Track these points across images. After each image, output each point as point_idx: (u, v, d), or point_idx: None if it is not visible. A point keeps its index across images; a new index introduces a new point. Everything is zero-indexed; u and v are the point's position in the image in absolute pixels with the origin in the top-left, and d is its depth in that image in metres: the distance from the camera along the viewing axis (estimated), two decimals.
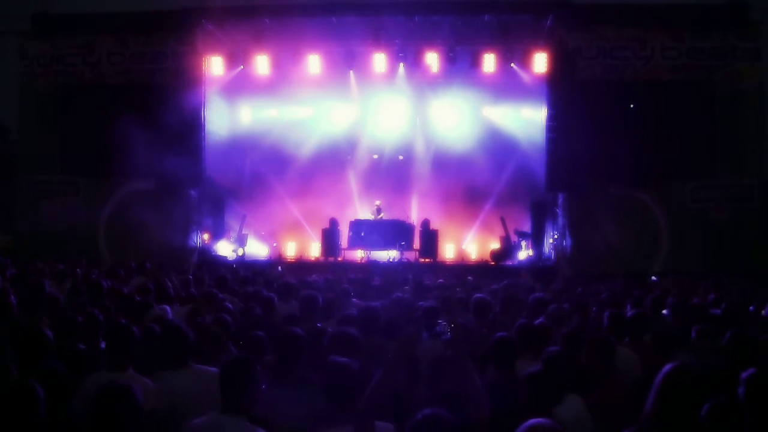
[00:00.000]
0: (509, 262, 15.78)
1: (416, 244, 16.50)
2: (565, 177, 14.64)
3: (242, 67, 16.16)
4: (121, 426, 3.07)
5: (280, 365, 4.13)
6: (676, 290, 9.25)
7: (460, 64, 15.57)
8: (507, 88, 16.33)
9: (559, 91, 14.88)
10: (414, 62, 15.80)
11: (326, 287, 8.02)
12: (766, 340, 5.06)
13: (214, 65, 16.06)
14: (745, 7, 14.61)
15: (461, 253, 17.49)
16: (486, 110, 17.29)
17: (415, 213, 17.23)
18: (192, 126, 15.28)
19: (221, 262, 15.29)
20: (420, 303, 6.07)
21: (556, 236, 15.59)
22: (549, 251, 15.84)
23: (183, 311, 6.22)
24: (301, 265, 15.46)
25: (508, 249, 16.17)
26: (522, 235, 16.21)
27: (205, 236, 16.43)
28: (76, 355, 4.24)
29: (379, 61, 15.54)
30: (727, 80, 14.70)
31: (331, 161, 17.60)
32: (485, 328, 5.39)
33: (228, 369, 3.41)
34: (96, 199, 15.77)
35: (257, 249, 16.92)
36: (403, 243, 16.07)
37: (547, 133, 15.20)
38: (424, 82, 16.79)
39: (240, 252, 16.21)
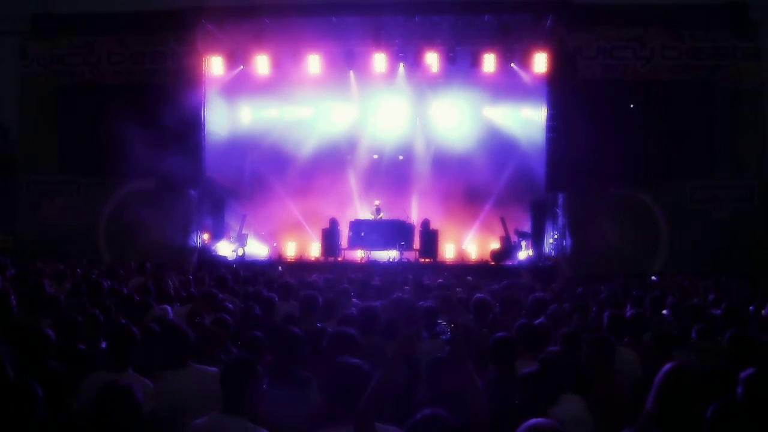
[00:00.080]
0: (509, 262, 15.78)
1: (416, 244, 16.50)
2: (565, 177, 14.65)
3: (242, 67, 16.16)
4: (121, 426, 3.07)
5: (277, 365, 4.13)
6: (676, 290, 9.26)
7: (460, 64, 15.57)
8: (507, 88, 16.33)
9: (559, 91, 14.89)
10: (414, 62, 15.80)
11: (326, 287, 8.01)
12: (766, 340, 5.07)
13: (214, 65, 16.06)
14: (745, 7, 14.61)
15: (461, 253, 17.49)
16: (486, 110, 17.29)
17: (415, 213, 17.23)
18: (192, 126, 15.29)
19: (221, 262, 15.29)
20: (420, 303, 6.07)
21: (556, 236, 15.59)
22: (549, 251, 15.84)
23: (183, 311, 6.22)
24: (301, 265, 15.45)
25: (508, 249, 16.17)
26: (522, 235, 16.21)
27: (205, 236, 16.43)
28: (76, 356, 4.24)
29: (379, 61, 15.54)
30: (727, 80, 14.71)
31: (331, 161, 17.60)
32: (485, 328, 5.38)
33: (229, 369, 3.41)
34: (96, 198, 15.77)
35: (257, 249, 16.93)
36: (403, 243, 16.07)
37: (547, 133, 15.22)
38: (424, 82, 16.80)
39: (240, 252, 16.21)
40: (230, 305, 6.14)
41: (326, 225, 16.75)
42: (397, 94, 17.17)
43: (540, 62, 15.22)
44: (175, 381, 3.95)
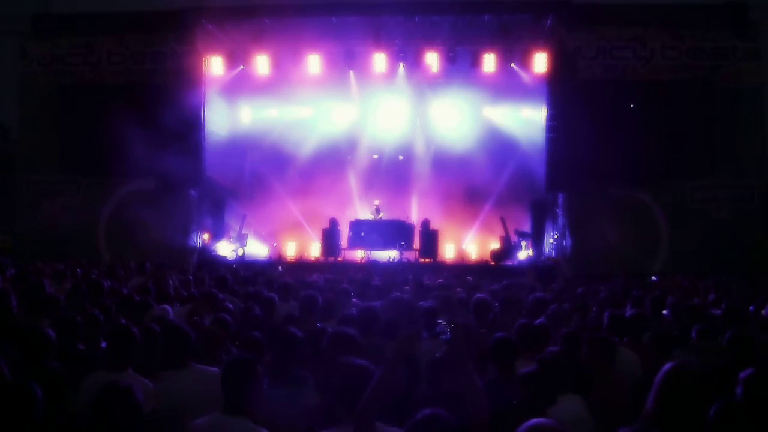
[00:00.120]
0: (509, 262, 15.78)
1: (416, 244, 16.50)
2: (565, 177, 14.65)
3: (242, 67, 16.16)
4: (121, 426, 3.07)
5: (276, 365, 4.13)
6: (676, 290, 9.26)
7: (460, 64, 15.57)
8: (507, 88, 16.34)
9: (559, 91, 14.89)
10: (414, 62, 15.80)
11: (326, 287, 8.01)
12: (766, 340, 5.07)
13: (214, 65, 16.06)
14: (745, 7, 14.61)
15: (461, 253, 17.49)
16: (486, 110, 17.29)
17: (415, 213, 17.23)
18: (192, 126, 15.28)
19: (221, 262, 15.29)
20: (420, 303, 6.06)
21: (556, 236, 15.59)
22: (549, 251, 15.84)
23: (183, 311, 6.22)
24: (301, 265, 15.45)
25: (508, 249, 16.17)
26: (522, 235, 16.21)
27: (205, 236, 16.43)
28: (76, 356, 4.24)
29: (379, 61, 15.54)
30: (727, 80, 14.70)
31: (331, 161, 17.60)
32: (485, 328, 5.38)
33: (230, 369, 3.42)
34: (96, 198, 15.77)
35: (257, 249, 16.93)
36: (402, 243, 16.07)
37: (547, 133, 15.22)
38: (424, 82, 16.80)
39: (240, 252, 16.21)
40: (230, 305, 6.14)
41: (326, 225, 16.75)
42: (397, 94, 17.17)
43: (540, 62, 15.22)
44: (176, 381, 3.95)
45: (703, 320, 5.69)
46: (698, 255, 13.93)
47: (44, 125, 15.98)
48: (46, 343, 4.17)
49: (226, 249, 16.32)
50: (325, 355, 4.15)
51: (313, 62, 15.77)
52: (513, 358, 4.16)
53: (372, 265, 14.67)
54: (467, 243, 17.63)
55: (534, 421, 2.52)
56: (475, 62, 15.56)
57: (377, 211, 16.75)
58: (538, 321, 5.25)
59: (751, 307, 6.85)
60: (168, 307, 6.20)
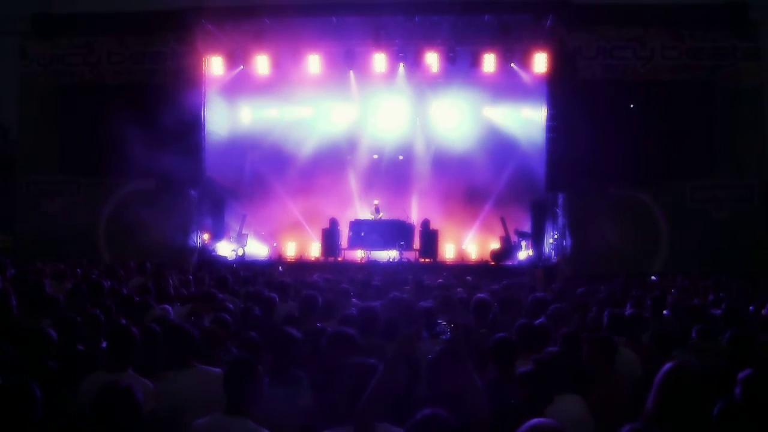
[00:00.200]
0: (509, 262, 15.77)
1: (416, 244, 16.50)
2: (565, 177, 14.64)
3: (242, 67, 16.16)
4: (120, 426, 3.07)
5: (273, 365, 4.13)
6: (676, 290, 9.26)
7: (460, 64, 15.57)
8: (507, 88, 16.33)
9: (559, 91, 14.89)
10: (414, 62, 15.80)
11: (326, 287, 8.01)
12: (766, 340, 5.07)
13: (214, 65, 16.06)
14: (745, 7, 14.61)
15: (461, 253, 17.49)
16: (486, 110, 17.29)
17: (415, 213, 17.23)
18: (192, 126, 15.28)
19: (221, 262, 15.30)
20: (421, 303, 6.06)
21: (556, 236, 15.59)
22: (549, 251, 15.84)
23: (183, 311, 6.22)
24: (301, 265, 15.45)
25: (508, 249, 16.17)
26: (522, 235, 16.21)
27: (205, 236, 16.43)
28: (75, 356, 4.23)
29: (379, 61, 15.54)
30: (727, 80, 14.70)
31: (331, 161, 17.59)
32: (485, 328, 5.38)
33: (232, 370, 3.42)
34: (96, 198, 15.77)
35: (257, 249, 16.93)
36: (402, 243, 16.07)
37: (547, 133, 15.22)
38: (424, 82, 16.79)
39: (240, 252, 16.21)
40: (230, 305, 6.14)
41: (326, 225, 16.75)
42: (397, 94, 17.17)
43: (540, 62, 15.22)
44: (179, 381, 3.95)
45: (703, 320, 5.69)
46: (698, 255, 13.92)
47: (44, 125, 15.98)
48: (47, 343, 4.18)
49: (226, 249, 16.32)
50: (325, 355, 4.15)
51: (313, 62, 15.77)
52: (513, 358, 4.15)
53: (372, 265, 14.68)
54: (467, 243, 17.63)
55: (534, 421, 2.53)
56: (475, 62, 15.56)
57: (377, 210, 16.75)
58: (538, 321, 5.25)
59: (751, 307, 6.85)
60: (168, 307, 6.21)
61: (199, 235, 16.16)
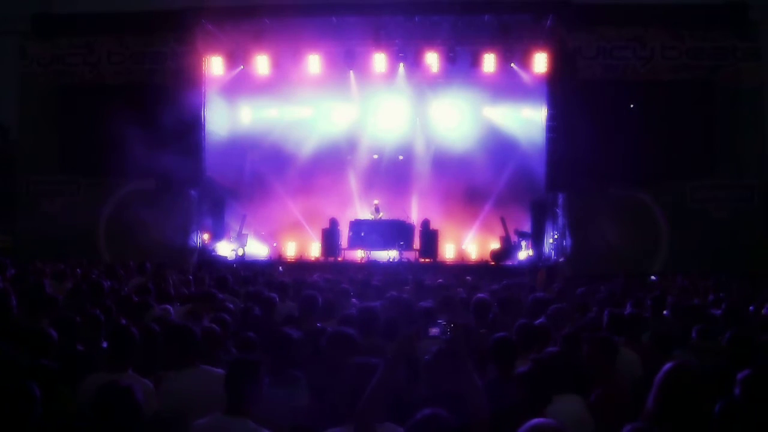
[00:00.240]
0: (509, 262, 15.77)
1: (416, 244, 16.50)
2: (565, 177, 14.64)
3: (242, 67, 16.16)
4: (120, 426, 3.07)
5: (271, 365, 4.13)
6: (675, 290, 9.26)
7: (460, 64, 15.57)
8: (507, 88, 16.33)
9: (559, 91, 14.89)
10: (414, 62, 15.80)
11: (326, 287, 8.00)
12: (766, 340, 5.07)
13: (214, 65, 16.06)
14: (745, 7, 14.60)
15: (461, 253, 17.49)
16: (486, 110, 17.29)
17: (415, 213, 17.23)
18: (192, 126, 15.29)
19: (221, 262, 15.30)
20: (421, 303, 6.06)
21: (556, 236, 15.59)
22: (549, 251, 15.84)
23: (183, 311, 6.21)
24: (301, 265, 15.45)
25: (508, 249, 16.17)
26: (522, 235, 16.21)
27: (205, 236, 16.43)
28: (74, 356, 4.23)
29: (379, 61, 15.54)
30: (727, 80, 14.70)
31: (331, 161, 17.59)
32: (485, 328, 5.38)
33: (233, 370, 3.42)
34: (96, 198, 15.77)
35: (257, 249, 16.92)
36: (402, 243, 16.07)
37: (547, 133, 15.22)
38: (424, 82, 16.79)
39: (240, 252, 16.21)
40: (230, 305, 6.14)
41: (326, 225, 16.75)
42: (397, 94, 17.17)
43: (540, 62, 15.22)
44: (183, 381, 3.95)
45: (703, 320, 5.69)
46: (698, 255, 13.92)
47: (44, 125, 15.98)
48: (47, 343, 4.18)
49: (226, 249, 16.32)
50: (325, 355, 4.15)
51: (313, 62, 15.77)
52: (513, 358, 4.15)
53: (372, 265, 14.68)
54: (467, 243, 17.63)
55: (535, 421, 2.53)
56: (475, 62, 15.56)
57: (377, 210, 16.75)
58: (538, 321, 5.25)
59: (751, 307, 6.85)
60: (169, 307, 6.20)
61: (199, 235, 16.16)
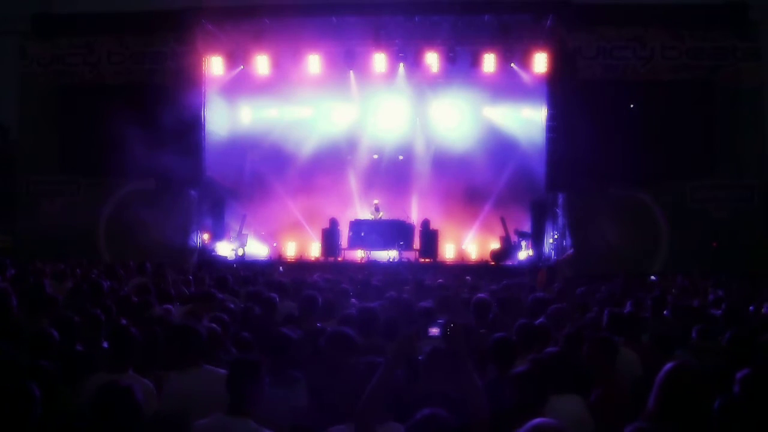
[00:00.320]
0: (509, 262, 15.77)
1: (416, 244, 16.50)
2: (565, 177, 14.64)
3: (242, 67, 16.16)
4: (120, 426, 3.07)
5: (271, 365, 4.14)
6: (675, 290, 9.26)
7: (460, 64, 15.57)
8: (507, 88, 16.33)
9: (559, 91, 14.89)
10: (414, 62, 15.80)
11: (326, 287, 8.00)
12: (766, 340, 5.07)
13: (214, 65, 16.06)
14: (745, 7, 14.60)
15: (461, 253, 17.49)
16: (486, 110, 17.29)
17: (415, 213, 17.23)
18: (192, 126, 15.28)
19: (221, 262, 15.30)
20: (421, 303, 6.06)
21: (556, 236, 15.58)
22: (549, 251, 15.84)
23: (183, 311, 6.21)
24: (301, 265, 15.45)
25: (508, 249, 16.17)
26: (522, 235, 16.21)
27: (205, 236, 16.43)
28: (73, 356, 4.24)
29: (379, 61, 15.54)
30: (727, 80, 14.70)
31: (331, 161, 17.60)
32: (485, 328, 5.38)
33: (235, 370, 3.42)
34: (96, 198, 15.77)
35: (257, 249, 16.92)
36: (402, 243, 16.07)
37: (547, 133, 15.22)
38: (424, 82, 16.79)
39: (240, 252, 16.21)
40: (231, 305, 6.14)
41: (326, 225, 16.75)
42: (397, 94, 17.17)
43: (540, 62, 15.22)
44: (186, 381, 3.95)
45: (703, 320, 5.69)
46: (698, 255, 13.92)
47: (44, 125, 15.98)
48: (48, 344, 4.18)
49: (226, 249, 16.32)
50: (324, 355, 4.15)
51: (313, 62, 15.77)
52: (512, 358, 4.15)
53: (372, 265, 14.68)
54: (467, 243, 17.63)
55: (536, 420, 2.53)
56: (475, 62, 15.56)
57: (376, 209, 16.76)
58: (538, 321, 5.25)
59: (751, 307, 6.85)
60: (171, 307, 6.20)
61: (199, 235, 16.16)
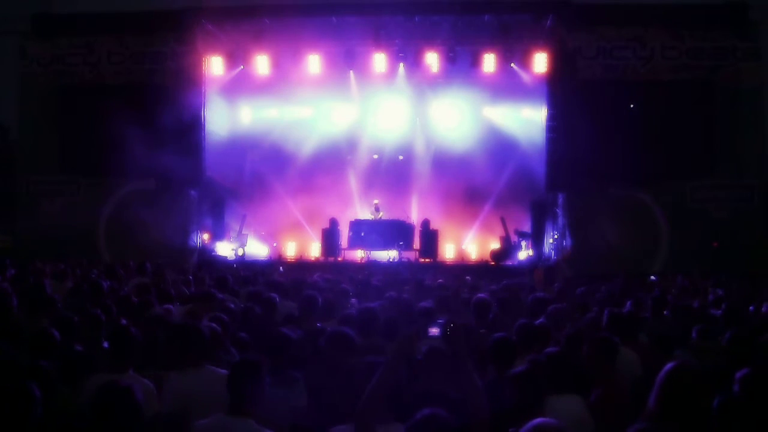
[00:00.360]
0: (509, 262, 15.77)
1: (416, 244, 16.50)
2: (565, 177, 14.64)
3: (242, 67, 16.16)
4: (120, 426, 3.07)
5: (270, 366, 4.14)
6: (675, 290, 9.26)
7: (460, 64, 15.57)
8: (507, 88, 16.32)
9: (559, 91, 14.89)
10: (414, 62, 15.80)
11: (326, 287, 8.00)
12: (766, 340, 5.07)
13: (214, 65, 16.06)
14: (745, 7, 14.61)
15: (461, 253, 17.48)
16: (486, 110, 17.28)
17: (415, 213, 17.23)
18: (192, 126, 15.29)
19: (221, 262, 15.29)
20: (421, 303, 6.06)
21: (556, 236, 15.58)
22: (549, 251, 15.84)
23: (183, 311, 6.21)
24: (301, 265, 15.45)
25: (508, 249, 16.17)
26: (522, 235, 16.21)
27: (205, 236, 16.42)
28: (74, 356, 4.24)
29: (379, 61, 15.54)
30: (727, 80, 14.71)
31: (331, 161, 17.59)
32: (485, 328, 5.38)
33: (236, 370, 3.42)
34: (96, 198, 15.78)
35: (257, 249, 16.92)
36: (402, 243, 16.06)
37: (547, 133, 15.22)
38: (424, 82, 16.79)
39: (240, 252, 16.21)
40: (231, 305, 6.14)
41: (326, 225, 16.75)
42: (397, 94, 17.16)
43: (540, 62, 15.22)
44: (188, 380, 3.95)
45: (703, 320, 5.69)
46: (698, 255, 13.92)
47: (44, 125, 15.99)
48: (48, 344, 4.18)
49: (226, 249, 16.32)
50: (324, 355, 4.15)
51: (313, 62, 15.77)
52: (511, 359, 4.15)
53: (372, 265, 14.68)
54: (467, 243, 17.62)
55: (537, 420, 2.53)
56: (475, 62, 15.56)
57: (376, 209, 16.76)
58: (538, 321, 5.25)
59: (751, 307, 6.85)
60: (171, 307, 6.20)
61: (199, 235, 16.16)
